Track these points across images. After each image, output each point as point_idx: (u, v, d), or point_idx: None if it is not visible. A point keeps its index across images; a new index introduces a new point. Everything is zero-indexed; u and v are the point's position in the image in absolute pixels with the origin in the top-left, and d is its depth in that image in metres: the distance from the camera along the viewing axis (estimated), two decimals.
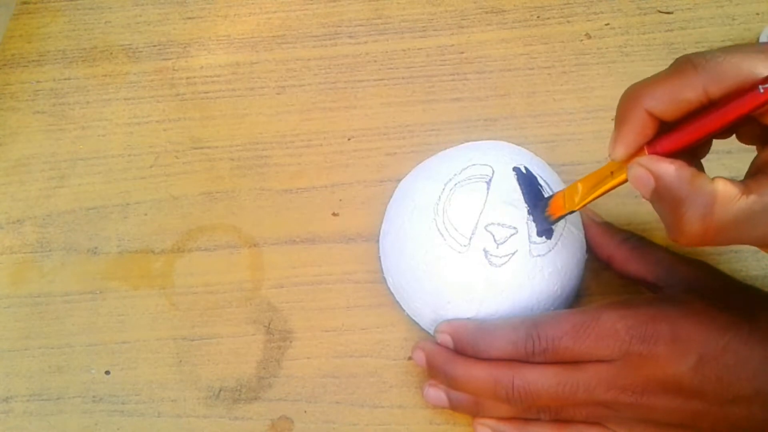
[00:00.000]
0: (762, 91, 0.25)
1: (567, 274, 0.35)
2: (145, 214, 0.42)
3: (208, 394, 0.37)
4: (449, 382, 0.33)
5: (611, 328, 0.30)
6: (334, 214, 0.42)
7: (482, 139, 0.41)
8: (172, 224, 0.42)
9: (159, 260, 0.41)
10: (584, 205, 0.33)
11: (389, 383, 0.37)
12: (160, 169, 0.44)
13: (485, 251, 0.34)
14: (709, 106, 0.27)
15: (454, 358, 0.33)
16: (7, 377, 0.38)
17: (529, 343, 0.31)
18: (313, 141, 0.44)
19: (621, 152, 0.29)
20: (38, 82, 0.48)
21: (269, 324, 0.39)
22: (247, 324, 0.39)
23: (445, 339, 0.34)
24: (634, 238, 0.37)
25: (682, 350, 0.29)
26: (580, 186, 0.33)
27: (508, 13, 0.48)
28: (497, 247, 0.34)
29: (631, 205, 0.41)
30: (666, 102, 0.27)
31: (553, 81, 0.45)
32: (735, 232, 0.26)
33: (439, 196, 0.36)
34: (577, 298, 0.38)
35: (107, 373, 0.38)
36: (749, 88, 0.26)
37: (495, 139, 0.41)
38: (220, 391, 0.37)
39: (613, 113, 0.43)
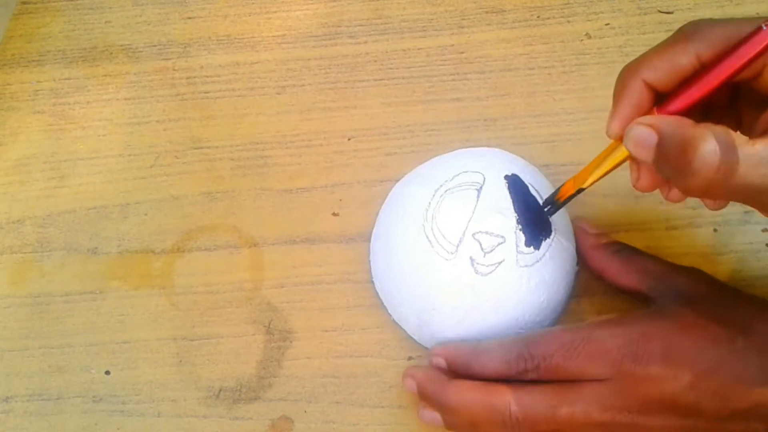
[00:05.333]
0: (765, 27, 0.26)
1: (554, 285, 0.35)
2: (145, 214, 0.42)
3: (208, 394, 0.37)
4: (443, 409, 0.32)
5: (602, 348, 0.30)
6: (334, 214, 0.42)
7: (482, 139, 0.41)
8: (172, 224, 0.42)
9: (159, 260, 0.41)
10: (592, 183, 0.32)
11: (389, 383, 0.37)
12: (160, 169, 0.44)
13: (472, 259, 0.34)
14: (701, 71, 0.28)
15: (446, 385, 0.32)
16: (7, 377, 0.38)
17: (521, 362, 0.31)
18: (313, 141, 0.44)
19: (616, 127, 0.30)
20: (38, 82, 0.48)
21: (269, 324, 0.39)
22: (247, 324, 0.39)
23: (439, 362, 0.33)
24: (626, 250, 0.36)
25: (676, 368, 0.29)
26: (587, 168, 0.33)
27: (508, 13, 0.48)
28: (484, 256, 0.34)
29: (630, 205, 0.41)
30: (662, 69, 0.28)
31: (553, 81, 0.45)
32: (747, 177, 0.26)
33: (429, 202, 0.36)
34: (577, 298, 0.38)
35: (107, 373, 0.38)
36: (751, 33, 0.26)
37: (495, 139, 0.41)
38: (220, 391, 0.37)
39: None
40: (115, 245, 0.42)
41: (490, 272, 0.34)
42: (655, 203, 0.41)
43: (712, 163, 0.26)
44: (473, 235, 0.35)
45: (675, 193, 0.31)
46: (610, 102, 0.40)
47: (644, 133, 0.28)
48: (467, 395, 0.31)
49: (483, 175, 0.36)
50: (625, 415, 0.29)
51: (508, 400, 0.30)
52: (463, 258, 0.34)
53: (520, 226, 0.35)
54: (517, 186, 0.36)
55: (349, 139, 0.44)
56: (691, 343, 0.29)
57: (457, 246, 0.35)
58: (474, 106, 0.44)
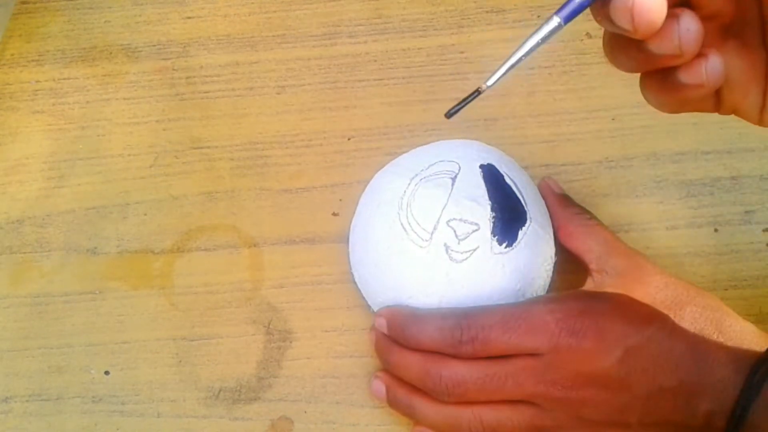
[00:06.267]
0: None
1: (530, 272, 0.35)
2: (145, 214, 0.42)
3: (208, 395, 0.37)
4: (387, 365, 0.34)
5: (541, 321, 0.30)
6: (334, 214, 0.42)
7: (482, 140, 0.41)
8: (171, 224, 0.42)
9: (159, 260, 0.41)
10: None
11: None
12: (160, 169, 0.44)
13: (446, 246, 0.34)
14: None
15: (394, 343, 0.34)
16: (6, 377, 0.38)
17: (456, 332, 0.31)
18: (313, 141, 0.44)
19: None
20: (37, 81, 0.47)
21: (269, 324, 0.39)
22: (247, 324, 0.39)
23: (381, 323, 0.34)
24: (585, 216, 0.37)
25: (608, 344, 0.30)
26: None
27: (508, 13, 0.48)
28: (458, 243, 0.34)
29: (630, 205, 0.41)
30: None
31: (553, 80, 0.45)
32: None
33: (404, 191, 0.36)
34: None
35: (107, 373, 0.38)
36: None
37: (495, 139, 0.41)
38: (220, 391, 0.37)
39: (613, 113, 0.43)
40: (114, 245, 0.42)
41: (465, 259, 0.34)
42: (655, 203, 0.41)
43: None
44: (447, 222, 0.35)
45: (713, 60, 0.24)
46: (610, 102, 0.40)
47: None
48: (408, 357, 0.33)
49: (458, 164, 0.37)
50: (558, 389, 0.30)
51: (440, 366, 0.31)
52: (437, 245, 0.34)
53: (494, 214, 0.35)
54: (492, 175, 0.36)
55: (349, 139, 0.44)
56: (624, 321, 0.30)
57: (432, 233, 0.35)
58: (474, 106, 0.44)
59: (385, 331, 0.34)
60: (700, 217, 0.40)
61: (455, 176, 0.36)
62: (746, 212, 0.40)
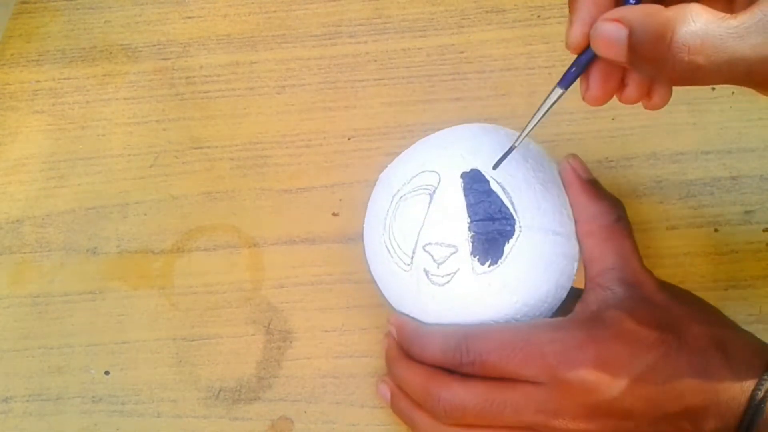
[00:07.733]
0: None
1: (527, 283, 0.33)
2: (145, 214, 0.42)
3: (207, 395, 0.37)
4: (392, 377, 0.34)
5: (539, 352, 0.30)
6: (334, 214, 0.42)
7: None
8: (171, 224, 0.42)
9: (159, 260, 0.41)
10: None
11: None
12: (160, 169, 0.44)
13: (426, 271, 0.33)
14: None
15: (401, 356, 0.33)
16: (6, 377, 0.38)
17: (457, 354, 0.31)
18: (313, 141, 0.44)
19: (577, 32, 0.27)
20: (37, 81, 0.47)
21: (269, 324, 0.39)
22: (247, 324, 0.39)
23: (392, 332, 0.34)
24: (611, 215, 0.33)
25: (612, 375, 0.29)
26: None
27: (508, 13, 0.48)
28: (437, 267, 0.33)
29: (630, 205, 0.41)
30: None
31: (553, 81, 0.44)
32: (735, 52, 0.23)
33: (387, 210, 0.35)
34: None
35: (107, 373, 0.38)
36: None
37: None
38: (219, 391, 0.37)
39: (614, 113, 0.43)
40: (114, 245, 0.42)
41: (446, 282, 0.33)
42: (655, 203, 0.41)
43: (693, 44, 0.23)
44: (424, 247, 0.33)
45: (657, 98, 0.29)
46: (610, 102, 0.40)
47: (611, 30, 0.25)
48: (411, 373, 0.32)
49: (438, 175, 0.34)
50: (560, 421, 0.29)
51: (440, 388, 0.31)
52: (418, 269, 0.33)
53: (472, 233, 0.32)
54: (474, 184, 0.33)
55: (349, 139, 0.44)
56: (627, 349, 0.29)
57: (412, 257, 0.33)
58: (474, 106, 0.44)
59: (396, 338, 0.34)
60: (700, 217, 0.40)
61: (434, 191, 0.34)
62: (746, 212, 0.40)
